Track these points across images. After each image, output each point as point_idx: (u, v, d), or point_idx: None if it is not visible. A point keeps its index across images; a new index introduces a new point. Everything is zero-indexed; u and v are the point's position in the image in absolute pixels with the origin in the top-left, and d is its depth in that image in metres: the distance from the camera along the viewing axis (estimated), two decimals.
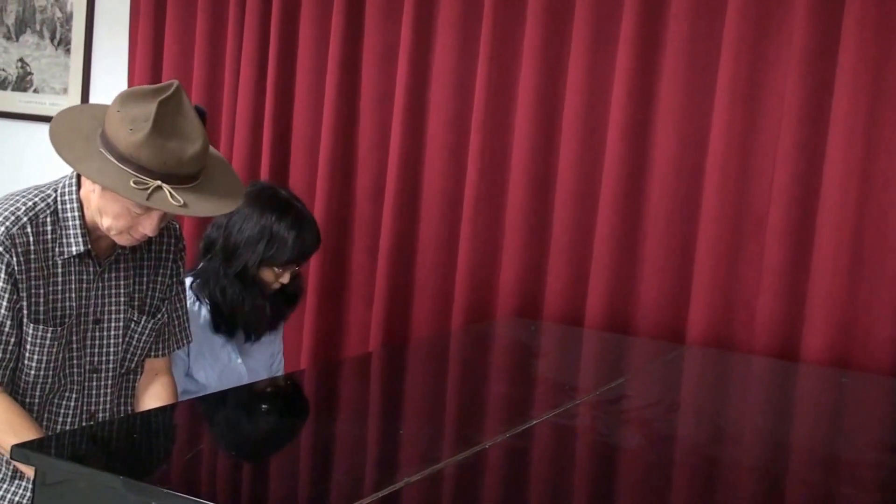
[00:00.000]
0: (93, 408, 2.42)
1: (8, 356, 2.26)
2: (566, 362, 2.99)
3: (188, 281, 2.91)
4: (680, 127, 3.07)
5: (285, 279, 2.87)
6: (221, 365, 2.92)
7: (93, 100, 4.32)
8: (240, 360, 2.97)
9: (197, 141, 2.17)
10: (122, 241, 2.28)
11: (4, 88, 4.55)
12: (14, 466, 2.34)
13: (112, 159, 2.13)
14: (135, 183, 2.11)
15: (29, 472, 2.23)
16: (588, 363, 3.05)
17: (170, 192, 2.12)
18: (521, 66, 3.29)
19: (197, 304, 2.87)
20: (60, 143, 2.17)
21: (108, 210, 2.21)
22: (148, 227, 2.23)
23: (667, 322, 3.11)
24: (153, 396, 2.50)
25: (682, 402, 2.62)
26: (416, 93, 3.45)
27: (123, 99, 2.18)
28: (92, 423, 2.42)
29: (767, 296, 2.95)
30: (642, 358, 3.05)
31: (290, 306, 3.03)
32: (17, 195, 2.30)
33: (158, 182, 2.12)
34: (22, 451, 1.85)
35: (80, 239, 2.28)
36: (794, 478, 2.07)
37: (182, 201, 2.13)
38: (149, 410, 2.42)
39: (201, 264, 2.91)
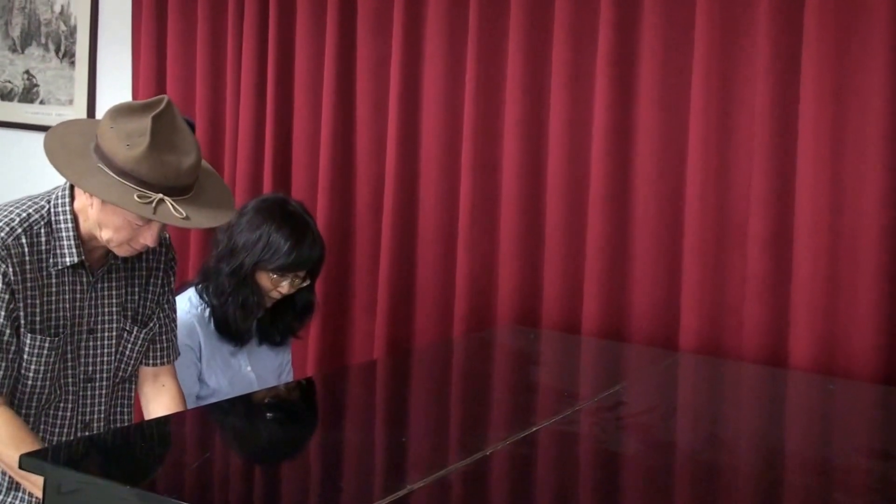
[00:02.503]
0: (87, 417, 2.43)
1: (8, 365, 2.27)
2: (565, 369, 3.00)
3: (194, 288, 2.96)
4: (659, 141, 3.10)
5: (284, 288, 2.89)
6: (232, 372, 2.95)
7: (99, 111, 4.33)
8: (249, 368, 3.00)
9: (192, 153, 2.21)
10: (122, 252, 2.31)
11: (11, 100, 4.58)
12: (10, 478, 2.34)
13: (112, 174, 2.16)
14: (138, 197, 2.14)
15: (30, 486, 2.24)
16: (586, 370, 3.06)
17: (172, 205, 2.16)
18: (506, 78, 3.31)
19: (207, 310, 2.91)
20: (59, 162, 2.19)
21: (109, 223, 2.24)
22: (149, 237, 2.26)
23: (660, 329, 3.13)
24: (164, 410, 2.51)
25: (678, 408, 2.64)
26: (409, 105, 3.48)
27: (114, 115, 2.20)
28: (87, 432, 2.43)
29: (753, 303, 2.97)
30: (639, 365, 3.06)
31: (298, 320, 3.06)
32: (10, 206, 2.32)
33: (161, 195, 2.16)
34: (33, 460, 1.86)
35: (74, 250, 2.30)
36: (785, 483, 2.09)
37: (185, 213, 2.17)
38: (158, 419, 2.43)
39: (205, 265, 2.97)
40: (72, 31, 4.40)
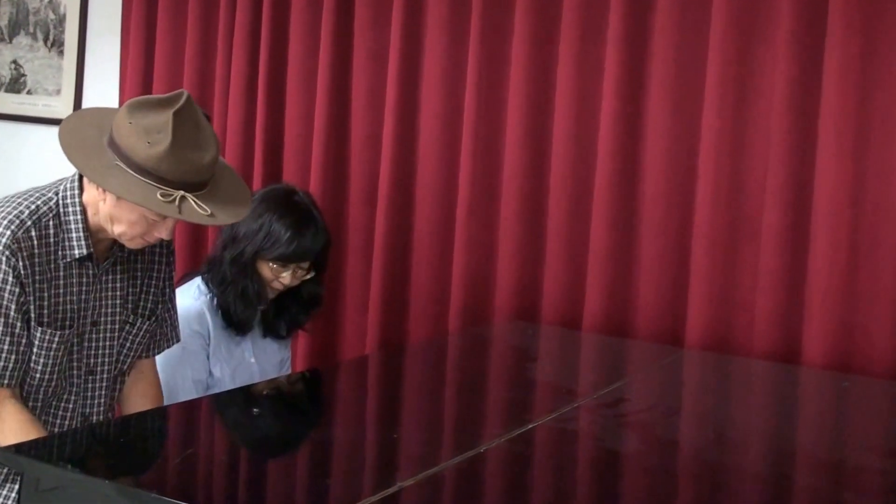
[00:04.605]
0: (87, 410, 2.44)
1: (21, 357, 2.26)
2: (564, 365, 2.97)
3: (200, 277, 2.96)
4: (671, 130, 3.06)
5: (285, 279, 2.88)
6: (235, 362, 2.94)
7: (86, 102, 4.32)
8: (253, 359, 2.99)
9: (212, 148, 2.22)
10: (134, 245, 2.32)
11: None
12: (5, 469, 2.35)
13: (131, 172, 2.16)
14: (161, 195, 2.14)
15: None
16: (586, 366, 3.03)
17: (195, 202, 2.17)
18: (510, 66, 3.27)
19: (215, 300, 2.90)
20: (78, 160, 2.20)
21: (123, 218, 2.24)
22: (164, 231, 2.27)
23: (665, 325, 3.09)
24: (141, 396, 2.53)
25: (681, 405, 2.61)
26: (407, 96, 3.44)
27: (132, 110, 2.19)
28: (84, 425, 2.41)
29: (765, 298, 2.94)
30: (641, 361, 3.03)
31: (304, 312, 3.04)
32: (17, 198, 2.31)
33: (182, 192, 2.16)
34: (9, 454, 1.83)
35: (83, 242, 2.30)
36: (793, 482, 2.05)
37: (209, 210, 2.19)
38: (141, 413, 2.43)
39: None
40: (61, 20, 4.36)
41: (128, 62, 4.04)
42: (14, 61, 4.50)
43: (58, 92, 4.37)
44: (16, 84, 4.49)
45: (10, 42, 4.50)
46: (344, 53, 3.57)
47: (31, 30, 4.45)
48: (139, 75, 3.98)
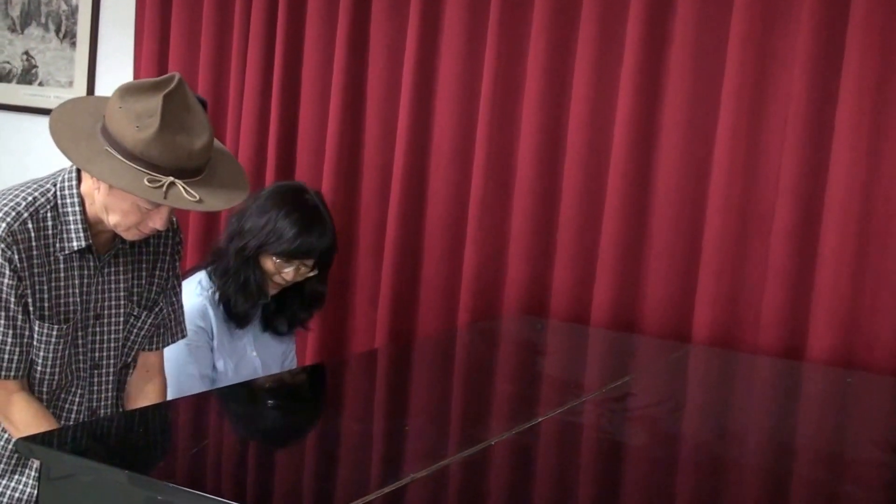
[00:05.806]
0: (94, 404, 2.41)
1: (24, 349, 2.24)
2: (572, 360, 2.98)
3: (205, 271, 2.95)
4: (686, 127, 3.06)
5: (288, 275, 2.88)
6: (238, 356, 2.94)
7: (99, 93, 4.29)
8: (255, 353, 2.99)
9: (204, 134, 2.15)
10: (131, 236, 2.26)
11: (9, 81, 4.54)
12: (13, 461, 2.33)
13: (121, 158, 2.10)
14: (148, 181, 2.08)
15: None
16: (594, 361, 3.04)
17: (183, 188, 2.11)
18: (527, 64, 3.26)
19: (217, 293, 2.90)
20: (66, 145, 2.13)
21: (117, 207, 2.19)
22: (158, 221, 2.22)
23: (673, 321, 3.10)
24: (144, 396, 2.48)
25: (688, 400, 2.62)
26: (423, 91, 3.43)
27: (123, 94, 2.14)
28: (95, 417, 2.40)
29: (773, 295, 2.95)
30: (648, 356, 3.03)
31: (304, 310, 3.05)
32: (15, 190, 2.27)
33: (171, 178, 2.10)
34: (27, 444, 1.84)
35: (82, 234, 2.25)
36: (798, 477, 2.06)
37: (197, 196, 2.12)
38: (154, 405, 2.40)
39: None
40: (73, 11, 4.36)
41: (142, 54, 4.02)
42: (26, 52, 4.50)
43: (70, 84, 4.37)
44: (27, 75, 4.50)
45: (22, 33, 4.50)
46: (360, 48, 3.56)
47: (43, 20, 4.44)
48: (153, 67, 3.97)
